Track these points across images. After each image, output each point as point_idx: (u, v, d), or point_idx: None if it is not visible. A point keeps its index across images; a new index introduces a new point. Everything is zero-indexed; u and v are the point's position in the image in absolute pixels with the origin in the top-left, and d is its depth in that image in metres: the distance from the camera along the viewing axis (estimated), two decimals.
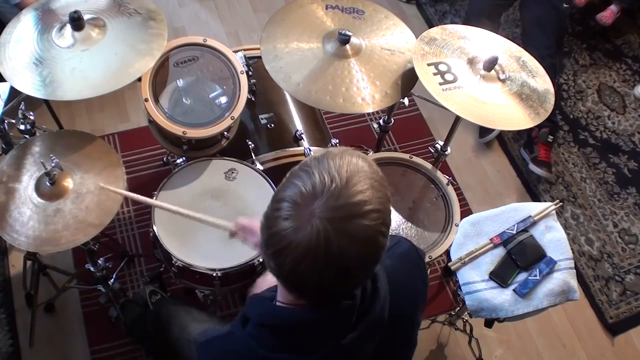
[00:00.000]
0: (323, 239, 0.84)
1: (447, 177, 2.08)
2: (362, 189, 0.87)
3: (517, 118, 1.77)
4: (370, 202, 0.87)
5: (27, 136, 1.85)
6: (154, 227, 1.81)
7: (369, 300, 1.00)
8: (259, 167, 1.97)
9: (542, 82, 1.87)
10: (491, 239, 1.87)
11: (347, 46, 1.86)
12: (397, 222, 1.97)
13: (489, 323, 1.89)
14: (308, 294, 0.94)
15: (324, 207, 0.84)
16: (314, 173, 0.87)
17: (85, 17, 1.76)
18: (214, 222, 1.54)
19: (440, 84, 1.77)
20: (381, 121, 2.32)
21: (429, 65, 1.80)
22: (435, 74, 1.79)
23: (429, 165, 2.10)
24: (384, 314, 1.03)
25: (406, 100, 2.09)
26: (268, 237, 0.89)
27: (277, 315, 0.99)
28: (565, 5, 2.78)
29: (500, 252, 1.86)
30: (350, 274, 0.90)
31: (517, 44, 1.96)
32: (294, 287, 0.94)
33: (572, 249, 1.88)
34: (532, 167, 2.72)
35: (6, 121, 1.90)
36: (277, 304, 1.01)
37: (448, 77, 1.79)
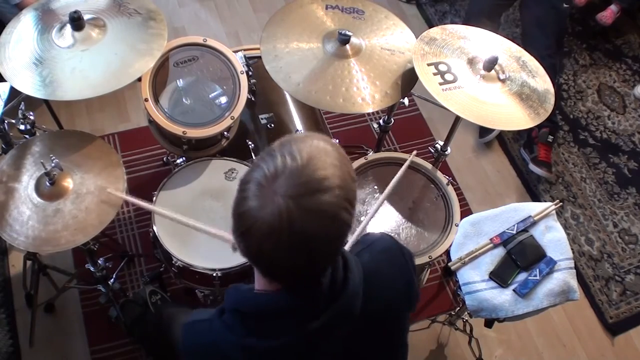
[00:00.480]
0: (286, 216, 0.85)
1: (447, 177, 2.08)
2: (323, 166, 0.89)
3: (517, 118, 1.77)
4: (331, 178, 0.88)
5: (27, 136, 1.85)
6: (154, 227, 1.81)
7: (339, 288, 1.01)
8: None
9: (542, 82, 1.87)
10: (491, 239, 1.87)
11: (347, 46, 1.86)
12: (397, 222, 1.97)
13: (489, 323, 1.89)
14: (278, 275, 0.96)
15: (286, 185, 0.86)
16: (277, 155, 0.89)
17: (85, 17, 1.76)
18: (215, 234, 1.53)
19: (440, 84, 1.77)
20: (381, 121, 2.32)
21: (429, 65, 1.80)
22: (435, 74, 1.79)
23: (429, 165, 2.10)
24: (352, 306, 1.03)
25: (406, 100, 2.09)
26: (236, 219, 0.92)
27: (247, 300, 1.02)
28: (565, 5, 2.78)
29: (500, 252, 1.86)
30: (315, 251, 0.91)
31: (517, 44, 1.96)
32: (264, 268, 0.96)
33: (572, 249, 1.87)
34: (532, 167, 2.72)
35: (6, 121, 1.90)
36: (254, 291, 1.03)
37: (448, 77, 1.79)
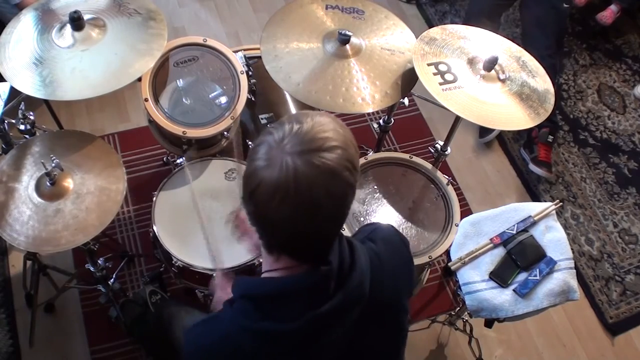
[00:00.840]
0: (292, 170, 0.89)
1: (447, 177, 2.08)
2: (326, 129, 0.94)
3: (517, 118, 1.77)
4: (334, 139, 0.93)
5: (27, 136, 1.85)
6: (154, 227, 1.81)
7: (347, 270, 1.03)
8: None
9: (542, 82, 1.87)
10: (491, 239, 1.87)
11: (347, 46, 1.86)
12: (397, 222, 1.97)
13: (489, 323, 1.89)
14: (284, 243, 0.98)
15: (292, 143, 0.91)
16: (285, 122, 0.96)
17: (85, 17, 1.76)
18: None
19: (440, 84, 1.77)
20: (381, 121, 2.32)
21: (429, 65, 1.80)
22: (435, 74, 1.79)
23: (429, 165, 2.10)
24: (362, 289, 1.05)
25: (406, 100, 2.09)
26: (244, 181, 0.95)
27: (257, 285, 1.04)
28: (565, 5, 2.78)
29: (500, 252, 1.86)
30: (320, 210, 0.93)
31: (517, 44, 1.96)
32: (270, 235, 0.98)
33: (572, 249, 1.88)
34: (532, 167, 2.72)
35: (6, 121, 1.90)
36: (263, 277, 1.05)
37: (448, 77, 1.79)
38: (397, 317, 1.18)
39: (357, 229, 1.56)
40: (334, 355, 1.07)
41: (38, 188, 1.63)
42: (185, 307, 1.84)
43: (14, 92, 1.78)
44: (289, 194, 0.90)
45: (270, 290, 1.02)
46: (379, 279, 1.09)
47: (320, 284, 1.00)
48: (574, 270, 1.84)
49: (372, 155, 2.08)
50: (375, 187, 2.02)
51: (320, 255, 1.00)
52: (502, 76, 1.83)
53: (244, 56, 2.10)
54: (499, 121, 1.77)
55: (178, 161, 2.02)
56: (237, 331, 1.02)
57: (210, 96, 1.96)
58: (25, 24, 1.78)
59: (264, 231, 0.99)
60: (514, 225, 1.89)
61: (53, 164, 1.60)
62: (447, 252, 1.94)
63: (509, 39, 1.98)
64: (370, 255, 1.10)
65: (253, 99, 2.16)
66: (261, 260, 1.77)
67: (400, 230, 1.95)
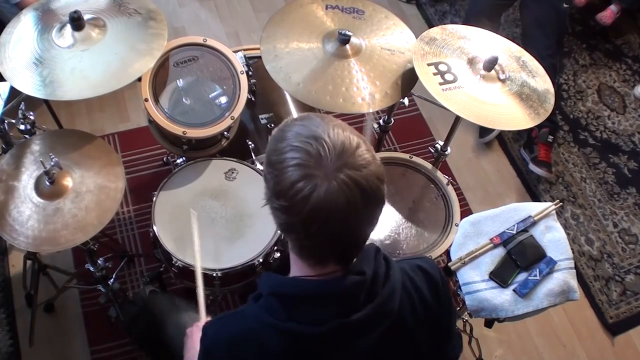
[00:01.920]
0: (352, 184, 0.90)
1: (447, 177, 2.08)
2: (337, 130, 0.94)
3: (517, 118, 1.77)
4: (350, 136, 0.94)
5: (27, 136, 1.85)
6: (154, 227, 1.81)
7: (380, 284, 1.02)
8: (259, 167, 1.97)
9: (542, 82, 1.87)
10: (491, 239, 1.87)
11: (347, 46, 1.86)
12: (397, 222, 1.97)
13: (489, 323, 1.89)
14: (318, 247, 0.98)
15: (333, 160, 0.91)
16: (297, 145, 0.93)
17: (85, 17, 1.76)
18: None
19: (440, 83, 1.77)
20: (381, 121, 2.32)
21: (428, 65, 1.80)
22: (435, 74, 1.79)
23: (429, 165, 2.10)
24: (393, 303, 1.04)
25: (406, 100, 2.09)
26: (305, 219, 0.93)
27: (287, 284, 1.02)
28: (565, 5, 2.78)
29: (500, 252, 1.86)
30: (362, 218, 0.95)
31: (517, 44, 1.96)
32: (304, 241, 0.98)
33: (572, 249, 1.87)
34: (532, 167, 2.72)
35: (6, 121, 1.90)
36: (295, 277, 1.04)
37: (448, 77, 1.79)
38: (420, 346, 1.15)
39: None
40: None
41: (37, 187, 1.63)
42: (180, 304, 1.82)
43: (14, 92, 1.78)
44: (337, 212, 0.90)
45: (300, 291, 1.00)
46: (411, 301, 1.09)
47: (351, 292, 0.99)
48: (574, 270, 1.83)
49: None
50: None
51: (350, 259, 1.00)
52: (502, 76, 1.83)
53: (244, 56, 2.10)
54: (499, 121, 1.77)
55: (178, 161, 2.02)
56: (262, 327, 1.00)
57: (210, 96, 1.96)
58: (25, 24, 1.78)
59: (297, 240, 0.98)
60: (514, 225, 1.89)
61: (52, 163, 1.59)
62: (447, 252, 1.93)
63: (509, 39, 1.98)
64: (403, 277, 1.09)
65: (253, 99, 2.16)
66: (261, 260, 1.78)
67: (400, 230, 1.95)
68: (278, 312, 1.00)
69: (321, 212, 0.91)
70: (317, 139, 0.92)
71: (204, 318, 1.47)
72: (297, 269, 1.03)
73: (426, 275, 1.15)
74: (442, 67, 1.81)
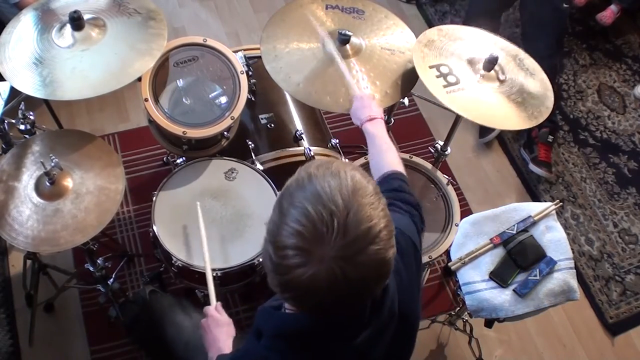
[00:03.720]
0: (341, 276, 0.84)
1: (447, 177, 2.08)
2: (364, 214, 0.85)
3: (518, 118, 1.76)
4: (377, 224, 0.86)
5: (27, 136, 1.85)
6: (154, 227, 1.81)
7: (380, 296, 1.01)
8: (259, 167, 1.97)
9: (540, 80, 1.87)
10: (491, 239, 1.87)
11: (347, 46, 1.86)
12: None
13: (489, 323, 1.89)
14: (329, 314, 0.95)
15: (334, 247, 0.83)
16: (309, 210, 0.84)
17: (85, 17, 1.76)
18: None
19: (444, 86, 1.76)
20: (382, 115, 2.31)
21: (430, 67, 1.80)
22: (437, 77, 1.78)
23: (429, 165, 2.10)
24: (394, 307, 1.04)
25: (406, 100, 2.10)
26: (283, 283, 0.88)
27: (290, 324, 0.99)
28: (565, 5, 2.78)
29: (500, 252, 1.86)
30: (369, 291, 0.93)
31: (517, 44, 1.96)
32: (314, 313, 0.95)
33: (572, 249, 1.88)
34: (532, 167, 2.72)
35: (6, 121, 1.90)
36: (287, 311, 1.01)
37: (451, 79, 1.79)
38: (414, 326, 1.17)
39: None
40: None
41: (37, 187, 1.63)
42: (180, 304, 1.82)
43: (14, 92, 1.78)
44: (340, 293, 0.87)
45: (305, 328, 0.97)
46: (402, 296, 1.08)
47: (355, 316, 0.98)
48: (574, 270, 1.84)
49: None
50: None
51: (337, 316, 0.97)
52: (502, 76, 1.83)
53: (244, 56, 2.10)
54: (502, 122, 1.77)
55: (178, 161, 2.02)
56: None
57: (210, 96, 1.96)
58: (25, 24, 1.78)
59: (299, 308, 0.95)
60: (514, 225, 1.89)
61: (52, 164, 1.59)
62: (447, 252, 1.94)
63: (508, 39, 1.97)
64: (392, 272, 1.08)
65: (253, 99, 2.16)
66: (261, 259, 1.78)
67: None
68: (286, 351, 0.97)
69: (299, 288, 0.86)
70: (332, 214, 0.83)
71: (214, 303, 1.48)
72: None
73: (405, 257, 1.14)
74: (444, 69, 1.80)
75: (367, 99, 1.59)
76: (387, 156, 1.37)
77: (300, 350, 0.97)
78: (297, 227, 0.84)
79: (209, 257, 1.61)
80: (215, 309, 1.46)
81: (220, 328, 1.38)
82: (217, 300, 1.52)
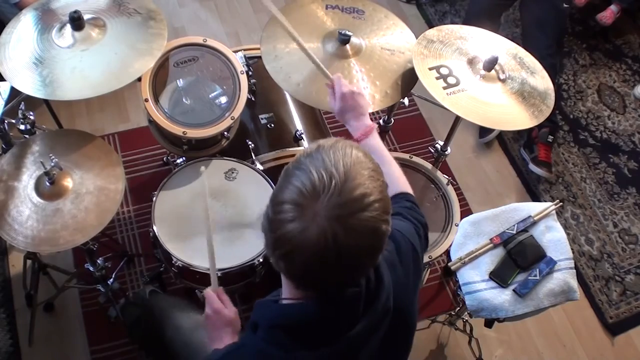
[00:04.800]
0: (331, 237, 0.86)
1: (447, 177, 2.08)
2: (361, 181, 0.89)
3: (520, 117, 1.76)
4: (371, 193, 0.89)
5: (27, 136, 1.85)
6: (154, 227, 1.81)
7: (374, 288, 1.01)
8: (259, 167, 1.97)
9: (540, 78, 1.87)
10: (491, 239, 1.87)
11: (347, 46, 1.86)
12: None
13: (489, 323, 1.89)
14: (318, 287, 0.96)
15: (328, 206, 0.86)
16: (312, 171, 0.88)
17: (85, 17, 1.76)
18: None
19: (444, 88, 1.76)
20: (381, 121, 2.32)
21: (430, 69, 1.80)
22: (437, 78, 1.78)
23: (429, 165, 2.10)
24: (389, 302, 1.04)
25: (406, 100, 2.09)
26: (274, 240, 0.91)
27: (287, 315, 1.00)
28: (565, 5, 2.78)
29: (500, 252, 1.86)
30: (359, 264, 0.93)
31: (517, 44, 1.96)
32: (305, 284, 0.96)
33: (572, 249, 1.88)
34: (532, 167, 2.72)
35: (6, 121, 1.90)
36: (284, 302, 1.02)
37: (451, 80, 1.79)
38: (409, 324, 1.17)
39: None
40: None
41: (37, 187, 1.63)
42: (180, 304, 1.82)
43: (14, 92, 1.78)
44: (330, 257, 0.87)
45: (301, 318, 0.98)
46: (397, 289, 1.08)
47: (350, 307, 0.98)
48: (574, 270, 1.84)
49: None
50: None
51: (329, 292, 0.98)
52: (502, 76, 1.83)
53: (244, 56, 2.10)
54: (504, 122, 1.76)
55: (178, 161, 2.01)
56: None
57: (210, 96, 1.96)
58: (25, 24, 1.78)
59: (296, 282, 0.96)
60: (514, 225, 1.89)
61: (52, 164, 1.59)
62: (447, 252, 1.94)
63: (508, 38, 1.98)
64: (388, 265, 1.09)
65: (253, 99, 2.16)
66: (261, 260, 1.78)
67: None
68: (284, 343, 0.98)
69: (289, 243, 0.88)
70: (332, 177, 0.87)
71: (216, 286, 1.43)
72: (287, 291, 1.02)
73: (402, 255, 1.15)
74: (444, 71, 1.80)
75: (350, 97, 1.45)
76: (393, 171, 1.36)
77: (296, 341, 0.98)
78: (298, 185, 0.88)
79: (211, 234, 1.51)
80: (217, 297, 1.39)
81: (226, 328, 1.35)
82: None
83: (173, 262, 1.78)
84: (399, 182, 1.35)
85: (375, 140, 1.43)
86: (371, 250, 0.92)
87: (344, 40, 1.85)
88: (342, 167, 0.89)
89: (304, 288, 0.97)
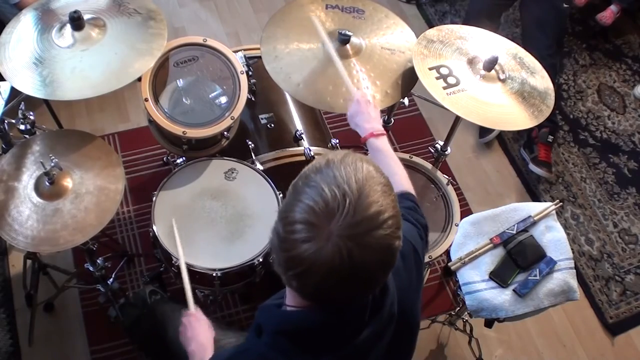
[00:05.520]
0: (346, 256, 0.85)
1: (447, 177, 2.08)
2: (375, 198, 0.88)
3: (520, 117, 1.76)
4: (385, 210, 0.88)
5: (27, 136, 1.85)
6: (154, 227, 1.81)
7: (380, 296, 1.01)
8: (259, 167, 1.97)
9: (540, 78, 1.87)
10: (491, 239, 1.87)
11: (348, 46, 1.86)
12: None
13: (489, 323, 1.89)
14: (330, 303, 0.95)
15: (342, 225, 0.85)
16: (323, 188, 0.87)
17: (85, 17, 1.76)
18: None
19: (444, 88, 1.76)
20: (381, 121, 2.32)
21: (430, 69, 1.80)
22: (437, 78, 1.78)
23: (429, 165, 2.10)
24: (394, 308, 1.04)
25: (406, 100, 2.09)
26: (287, 260, 0.89)
27: (292, 321, 0.99)
28: (565, 5, 2.78)
29: (500, 252, 1.86)
30: (372, 280, 0.93)
31: (517, 44, 1.96)
32: (316, 300, 0.95)
33: (572, 249, 1.88)
34: (532, 167, 2.72)
35: (6, 121, 1.90)
36: (288, 308, 1.01)
37: (451, 80, 1.79)
38: (413, 329, 1.17)
39: None
40: None
41: (37, 187, 1.63)
42: (181, 306, 1.83)
43: (14, 92, 1.78)
44: (344, 275, 0.87)
45: (306, 325, 0.97)
46: (401, 294, 1.08)
47: (356, 315, 0.98)
48: (574, 270, 1.84)
49: None
50: None
51: (337, 307, 0.97)
52: (502, 76, 1.83)
53: (244, 56, 2.10)
54: (503, 122, 1.76)
55: (178, 161, 2.02)
56: None
57: (210, 96, 1.96)
58: (25, 24, 1.78)
59: (307, 298, 0.95)
60: (514, 225, 1.89)
61: (52, 164, 1.59)
62: (447, 252, 1.94)
63: (508, 38, 1.98)
64: (392, 271, 1.07)
65: (253, 99, 2.16)
66: (261, 259, 1.78)
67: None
68: (288, 349, 0.97)
69: (304, 263, 0.87)
70: (345, 194, 0.86)
71: (192, 309, 1.48)
72: (291, 299, 1.01)
73: (404, 260, 1.14)
74: (444, 71, 1.80)
75: (365, 104, 1.51)
76: (397, 172, 1.36)
77: (301, 347, 0.97)
78: (310, 203, 0.86)
79: (185, 268, 1.59)
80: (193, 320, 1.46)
81: (200, 323, 1.40)
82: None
83: (173, 262, 1.78)
84: (402, 181, 1.35)
85: (382, 142, 1.43)
86: (384, 266, 0.92)
87: (344, 40, 1.85)
88: (355, 184, 0.87)
89: (311, 301, 0.96)
